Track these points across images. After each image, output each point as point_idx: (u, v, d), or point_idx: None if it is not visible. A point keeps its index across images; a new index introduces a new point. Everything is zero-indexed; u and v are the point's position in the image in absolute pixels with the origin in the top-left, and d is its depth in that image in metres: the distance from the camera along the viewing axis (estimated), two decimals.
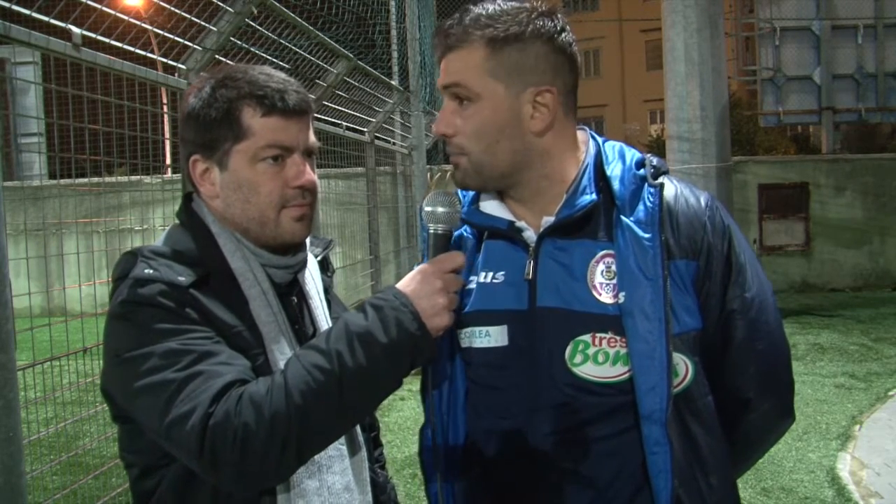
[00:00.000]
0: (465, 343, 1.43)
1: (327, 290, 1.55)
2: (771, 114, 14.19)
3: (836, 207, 12.98)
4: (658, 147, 19.36)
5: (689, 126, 8.33)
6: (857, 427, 5.58)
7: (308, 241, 1.49)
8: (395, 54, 10.58)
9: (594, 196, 1.37)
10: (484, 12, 1.35)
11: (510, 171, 1.38)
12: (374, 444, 1.63)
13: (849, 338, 8.78)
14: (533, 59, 1.35)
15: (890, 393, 6.44)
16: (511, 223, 1.41)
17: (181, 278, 1.27)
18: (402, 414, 5.83)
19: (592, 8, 33.90)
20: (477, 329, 1.41)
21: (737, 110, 18.11)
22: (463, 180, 1.40)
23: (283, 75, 1.39)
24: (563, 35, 1.37)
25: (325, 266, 1.57)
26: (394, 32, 10.53)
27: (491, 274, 1.42)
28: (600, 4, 34.01)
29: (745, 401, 1.46)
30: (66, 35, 2.69)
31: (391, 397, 1.30)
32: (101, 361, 1.33)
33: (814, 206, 12.99)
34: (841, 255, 12.99)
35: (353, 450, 1.42)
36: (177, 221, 1.43)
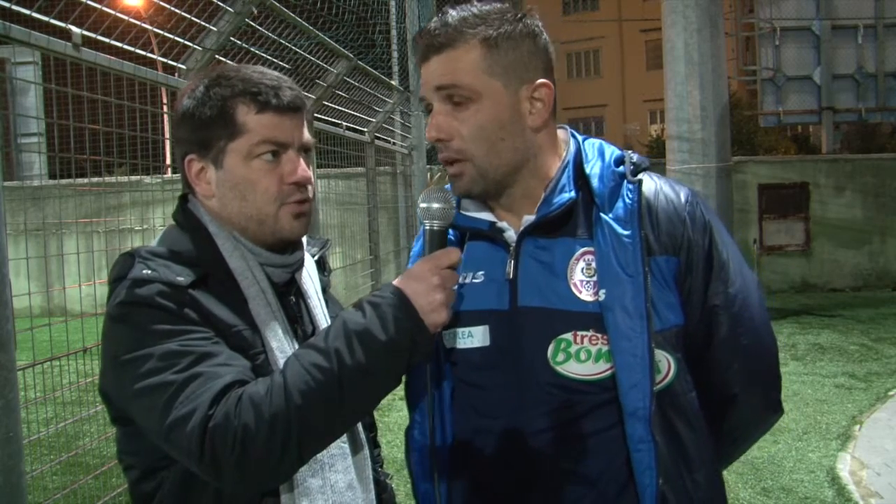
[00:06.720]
0: (448, 344, 1.43)
1: (325, 290, 1.54)
2: (771, 114, 14.19)
3: (836, 207, 12.97)
4: (658, 147, 19.36)
5: (689, 126, 8.33)
6: (857, 427, 5.57)
7: (305, 240, 1.49)
8: (395, 54, 10.58)
9: (573, 194, 1.38)
10: (470, 14, 1.35)
11: (512, 170, 1.38)
12: (373, 444, 1.62)
13: (849, 338, 8.78)
14: (526, 57, 1.36)
15: (890, 393, 6.44)
16: (492, 223, 1.41)
17: (180, 278, 1.26)
18: (402, 414, 5.83)
19: (592, 8, 33.92)
20: (460, 330, 1.41)
21: (737, 110, 18.11)
22: (468, 188, 1.38)
23: (276, 73, 1.38)
24: (544, 36, 1.40)
25: (321, 266, 1.57)
26: (394, 32, 10.54)
27: (471, 274, 1.42)
28: (600, 4, 34.02)
29: (731, 396, 1.46)
30: (66, 35, 2.69)
31: (390, 397, 1.30)
32: (100, 362, 1.32)
33: (814, 206, 12.98)
34: (841, 255, 12.99)
35: (355, 448, 1.42)
36: (172, 222, 1.42)
